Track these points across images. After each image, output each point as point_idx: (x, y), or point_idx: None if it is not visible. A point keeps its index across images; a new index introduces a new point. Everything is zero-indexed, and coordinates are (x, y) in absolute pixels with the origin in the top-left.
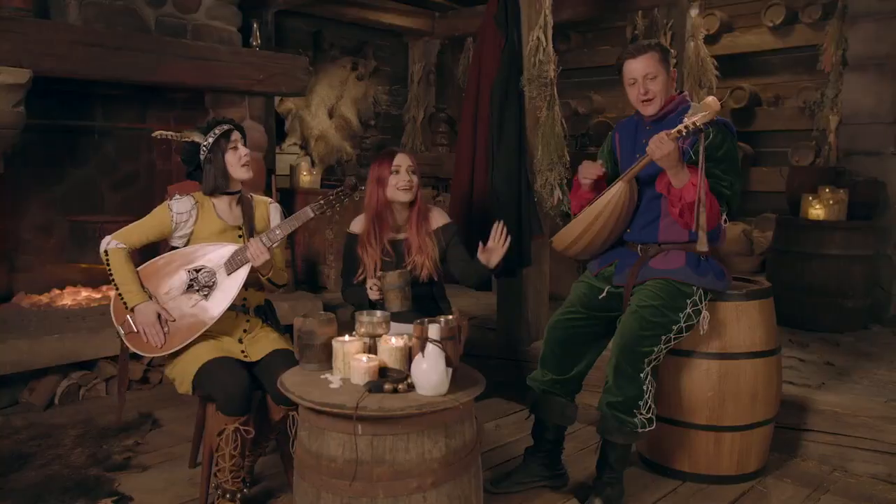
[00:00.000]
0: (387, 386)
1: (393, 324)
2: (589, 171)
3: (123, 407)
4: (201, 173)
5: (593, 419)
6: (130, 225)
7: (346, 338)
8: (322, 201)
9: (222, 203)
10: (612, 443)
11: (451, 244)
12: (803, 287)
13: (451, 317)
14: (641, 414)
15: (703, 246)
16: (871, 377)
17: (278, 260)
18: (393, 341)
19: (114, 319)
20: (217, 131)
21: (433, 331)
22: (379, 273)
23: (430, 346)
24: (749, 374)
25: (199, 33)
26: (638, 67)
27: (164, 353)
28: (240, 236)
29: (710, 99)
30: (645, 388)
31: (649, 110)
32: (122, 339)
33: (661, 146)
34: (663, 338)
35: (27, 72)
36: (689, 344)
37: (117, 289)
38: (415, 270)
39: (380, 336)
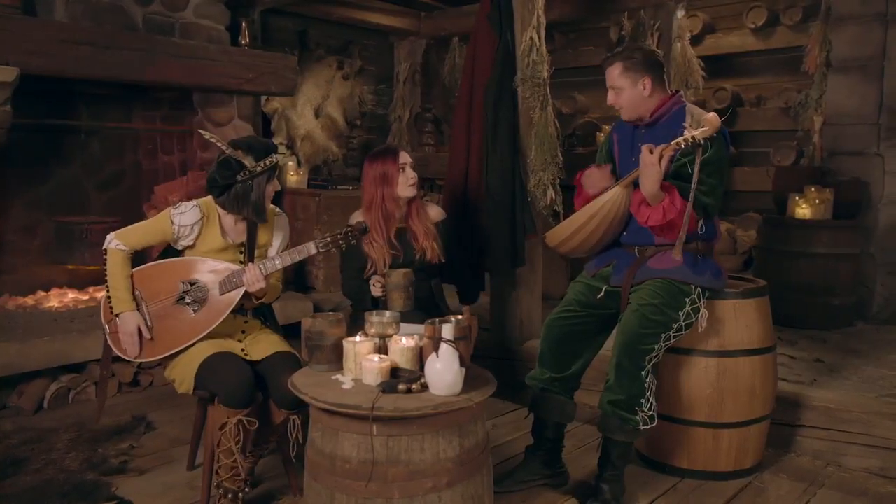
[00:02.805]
0: (401, 386)
1: (403, 324)
2: (596, 182)
3: (103, 406)
4: (222, 189)
5: (591, 417)
6: (134, 225)
7: (357, 338)
8: (329, 239)
9: (229, 218)
10: (613, 440)
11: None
12: (791, 285)
13: (461, 316)
14: (643, 412)
15: (678, 255)
16: (860, 373)
17: (274, 277)
18: (404, 341)
19: (102, 316)
20: (267, 163)
21: (447, 331)
22: (384, 271)
23: (444, 346)
24: (747, 371)
25: (187, 32)
26: (607, 77)
27: (143, 360)
28: (241, 252)
29: (712, 115)
30: (646, 385)
31: (623, 116)
32: (105, 337)
33: (651, 171)
34: (664, 336)
35: (14, 70)
36: (688, 342)
37: (108, 290)
38: (424, 255)
39: (390, 336)
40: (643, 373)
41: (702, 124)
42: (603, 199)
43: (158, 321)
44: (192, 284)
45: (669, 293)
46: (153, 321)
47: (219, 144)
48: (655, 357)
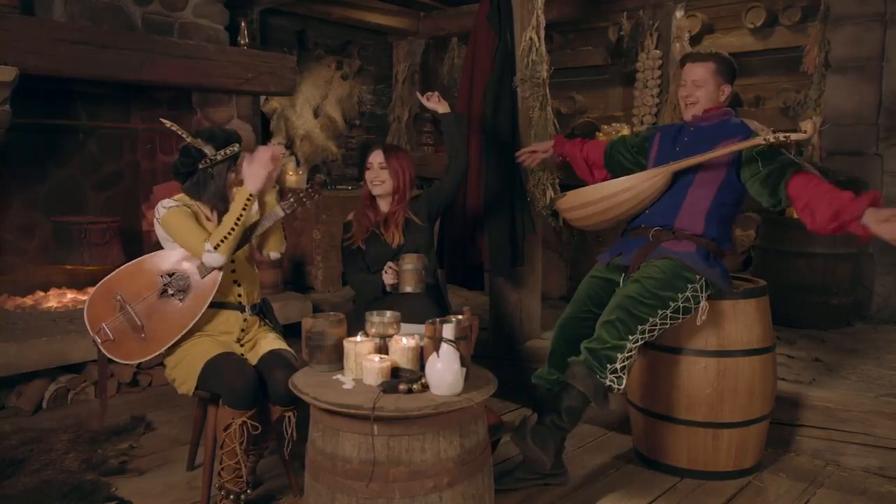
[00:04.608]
0: (402, 386)
1: (403, 324)
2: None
3: (106, 413)
4: (189, 177)
5: (591, 417)
6: (189, 234)
7: (358, 338)
8: (292, 199)
9: (206, 209)
10: (570, 388)
11: (429, 197)
12: (789, 285)
13: (461, 316)
14: (615, 371)
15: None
16: (859, 373)
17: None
18: (404, 341)
19: (89, 328)
20: (228, 152)
21: (447, 330)
22: (399, 258)
23: (444, 346)
24: (747, 371)
25: (186, 31)
26: (691, 72)
27: (142, 360)
28: None
29: (812, 123)
30: (627, 348)
31: (688, 114)
32: (98, 348)
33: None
34: (660, 312)
35: (13, 70)
36: (688, 342)
37: (241, 217)
38: (390, 239)
39: (391, 336)
40: (631, 337)
41: (802, 129)
42: (646, 174)
43: (147, 319)
44: (170, 276)
45: (674, 273)
46: (142, 320)
47: (180, 133)
48: (647, 333)
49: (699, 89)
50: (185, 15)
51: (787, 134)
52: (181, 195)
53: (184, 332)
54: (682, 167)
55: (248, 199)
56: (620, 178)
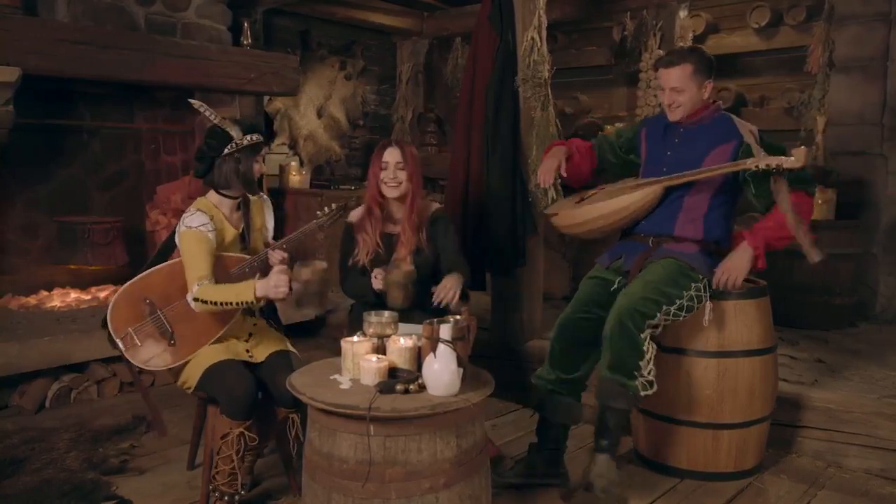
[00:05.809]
0: (398, 386)
1: (401, 324)
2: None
3: (161, 419)
4: (209, 166)
5: (592, 417)
6: (193, 264)
7: (356, 338)
8: (326, 220)
9: (226, 206)
10: (612, 408)
11: (439, 236)
12: (791, 285)
13: (460, 316)
14: (642, 376)
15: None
16: (861, 374)
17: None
18: (402, 342)
19: (112, 333)
20: (255, 138)
21: (444, 331)
22: (387, 265)
23: (441, 347)
24: (747, 371)
25: (188, 32)
26: (668, 78)
27: (167, 367)
28: (242, 239)
29: (805, 151)
30: (645, 349)
31: (673, 116)
32: (122, 353)
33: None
34: (664, 308)
35: (16, 70)
36: (688, 342)
37: (230, 305)
38: (402, 265)
39: (388, 336)
40: (642, 336)
41: (791, 154)
42: (639, 194)
43: (177, 325)
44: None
45: (678, 271)
46: (172, 326)
47: (207, 114)
48: (655, 327)
49: (680, 94)
50: (187, 15)
51: (780, 161)
52: (203, 200)
53: (211, 340)
54: (673, 184)
55: (252, 302)
56: (615, 200)
